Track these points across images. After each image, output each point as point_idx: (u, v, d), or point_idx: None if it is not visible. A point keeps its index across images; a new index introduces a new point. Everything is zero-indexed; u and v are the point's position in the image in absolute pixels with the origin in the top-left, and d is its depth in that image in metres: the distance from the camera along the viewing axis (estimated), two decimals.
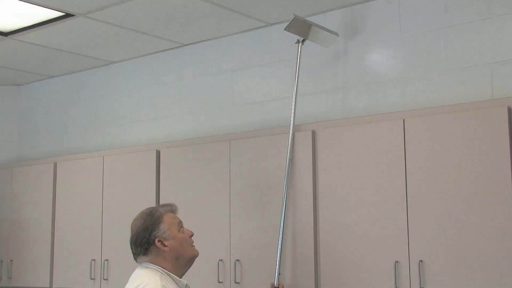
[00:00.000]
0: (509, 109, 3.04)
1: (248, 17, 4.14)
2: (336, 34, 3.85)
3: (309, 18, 3.87)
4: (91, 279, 4.56)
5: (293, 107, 3.73)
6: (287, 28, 3.68)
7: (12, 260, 5.13)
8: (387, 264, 3.27)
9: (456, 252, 3.08)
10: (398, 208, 3.27)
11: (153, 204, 4.11)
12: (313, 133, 3.64)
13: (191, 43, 4.68)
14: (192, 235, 2.63)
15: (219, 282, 3.88)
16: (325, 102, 4.00)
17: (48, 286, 4.85)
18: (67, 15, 4.08)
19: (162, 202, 4.15)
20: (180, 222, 2.62)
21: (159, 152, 4.34)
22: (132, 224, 2.59)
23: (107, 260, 4.50)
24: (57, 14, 4.05)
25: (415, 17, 3.71)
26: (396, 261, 3.24)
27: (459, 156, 3.13)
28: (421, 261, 3.17)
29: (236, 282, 3.81)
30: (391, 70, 3.78)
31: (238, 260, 3.83)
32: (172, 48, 4.79)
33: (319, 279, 3.50)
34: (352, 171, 3.46)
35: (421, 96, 3.63)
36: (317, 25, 3.76)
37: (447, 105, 3.39)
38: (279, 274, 3.53)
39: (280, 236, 3.56)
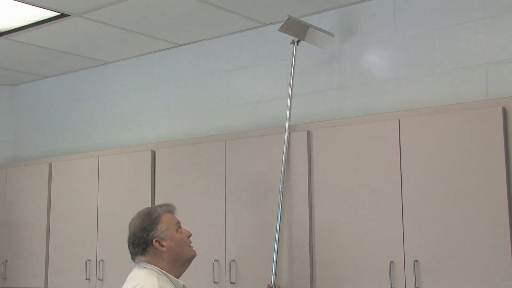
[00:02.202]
0: (503, 109, 3.05)
1: (244, 17, 4.14)
2: (331, 34, 3.86)
3: (304, 19, 3.87)
4: (86, 279, 4.56)
5: (288, 107, 3.74)
6: (282, 29, 3.68)
7: (7, 261, 5.12)
8: (383, 264, 3.27)
9: (451, 252, 3.09)
10: (393, 208, 3.27)
11: (149, 205, 4.11)
12: (309, 133, 3.64)
13: (186, 43, 4.68)
14: (190, 236, 2.62)
15: (214, 282, 3.88)
16: (321, 102, 4.00)
17: (43, 286, 4.84)
18: (62, 15, 4.07)
19: (157, 202, 4.14)
20: (178, 223, 2.61)
21: (155, 152, 4.33)
22: (130, 223, 2.59)
23: (102, 260, 4.50)
24: (52, 14, 4.05)
25: (410, 17, 3.72)
26: (391, 261, 3.24)
27: (454, 156, 3.14)
28: (416, 261, 3.17)
29: (231, 282, 3.81)
30: (386, 70, 3.79)
31: (233, 260, 3.83)
32: (167, 48, 4.78)
33: (315, 279, 3.51)
34: (347, 171, 3.46)
35: (416, 96, 3.63)
36: (312, 26, 3.76)
37: (442, 105, 3.40)
38: (276, 275, 3.53)
39: (277, 236, 3.56)
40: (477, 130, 3.09)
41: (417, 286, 3.15)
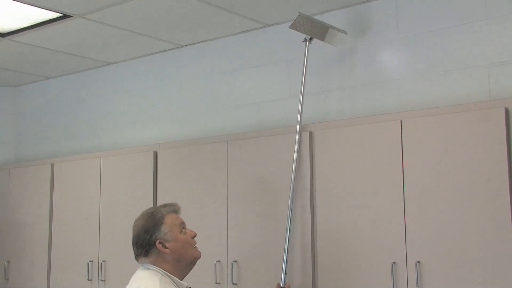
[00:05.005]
0: (506, 110, 3.04)
1: (246, 18, 4.14)
2: (345, 32, 3.81)
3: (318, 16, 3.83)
4: (88, 280, 4.56)
5: (300, 106, 3.70)
6: (292, 26, 3.60)
7: (9, 262, 5.13)
8: (385, 265, 3.27)
9: (453, 253, 3.08)
10: (396, 209, 3.27)
11: (151, 205, 4.10)
12: (311, 134, 3.64)
13: (189, 44, 4.68)
14: (194, 236, 2.59)
15: (216, 283, 3.88)
16: (322, 103, 4.00)
17: (45, 287, 4.84)
18: (65, 16, 4.07)
19: (159, 203, 4.13)
20: (183, 223, 2.58)
21: (157, 153, 4.34)
22: (133, 224, 2.56)
23: (104, 261, 4.50)
24: (55, 15, 4.05)
25: (412, 18, 3.71)
26: (394, 262, 3.24)
27: (457, 157, 3.14)
28: (418, 262, 3.17)
29: (233, 283, 3.81)
30: (388, 71, 3.79)
31: (235, 261, 3.83)
32: (169, 49, 4.79)
33: (317, 279, 3.50)
34: (349, 172, 3.46)
35: (418, 97, 3.63)
36: (325, 23, 3.71)
37: (445, 106, 3.40)
38: (286, 274, 3.51)
39: (287, 236, 3.53)
40: (480, 131, 3.09)
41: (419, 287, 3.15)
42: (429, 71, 3.62)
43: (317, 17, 3.99)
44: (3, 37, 4.46)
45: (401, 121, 3.32)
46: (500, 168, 3.01)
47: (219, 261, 3.89)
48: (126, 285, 2.51)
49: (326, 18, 3.99)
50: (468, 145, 3.11)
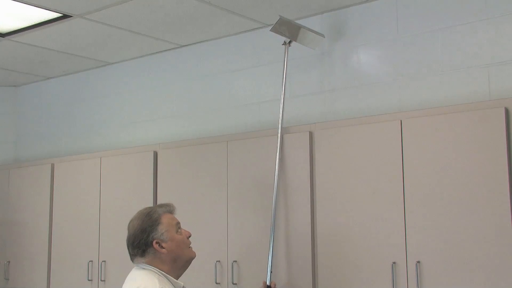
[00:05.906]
0: (506, 110, 3.04)
1: (245, 19, 4.14)
2: (322, 35, 3.86)
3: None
4: (89, 280, 4.56)
5: (281, 109, 3.73)
6: (273, 29, 3.68)
7: (9, 262, 5.13)
8: (385, 265, 3.27)
9: (454, 253, 3.08)
10: (396, 209, 3.27)
11: (151, 205, 4.10)
12: (310, 134, 3.64)
13: (188, 44, 4.68)
14: (189, 236, 2.60)
15: (216, 283, 3.88)
16: (323, 103, 4.00)
17: (45, 287, 4.84)
18: (65, 16, 4.07)
19: (159, 203, 4.14)
20: (178, 223, 2.59)
21: (156, 153, 4.34)
22: (129, 224, 2.57)
23: (104, 261, 4.50)
24: (55, 15, 4.05)
25: (412, 18, 3.71)
26: (394, 262, 3.24)
27: (456, 157, 3.14)
28: (418, 262, 3.17)
29: (233, 283, 3.81)
30: (388, 71, 3.79)
31: (235, 261, 3.83)
32: (168, 50, 4.79)
33: (317, 280, 3.50)
34: (349, 172, 3.46)
35: (418, 97, 3.63)
36: (303, 26, 3.76)
37: (444, 106, 3.40)
38: (271, 272, 3.53)
39: (272, 234, 3.56)
40: (480, 131, 3.09)
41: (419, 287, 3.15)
42: (429, 71, 3.62)
43: (315, 17, 4.01)
44: (3, 37, 4.46)
45: (401, 121, 3.32)
46: (500, 168, 3.00)
47: (219, 261, 3.89)
48: None
49: (327, 18, 3.99)
50: (468, 145, 3.11)
